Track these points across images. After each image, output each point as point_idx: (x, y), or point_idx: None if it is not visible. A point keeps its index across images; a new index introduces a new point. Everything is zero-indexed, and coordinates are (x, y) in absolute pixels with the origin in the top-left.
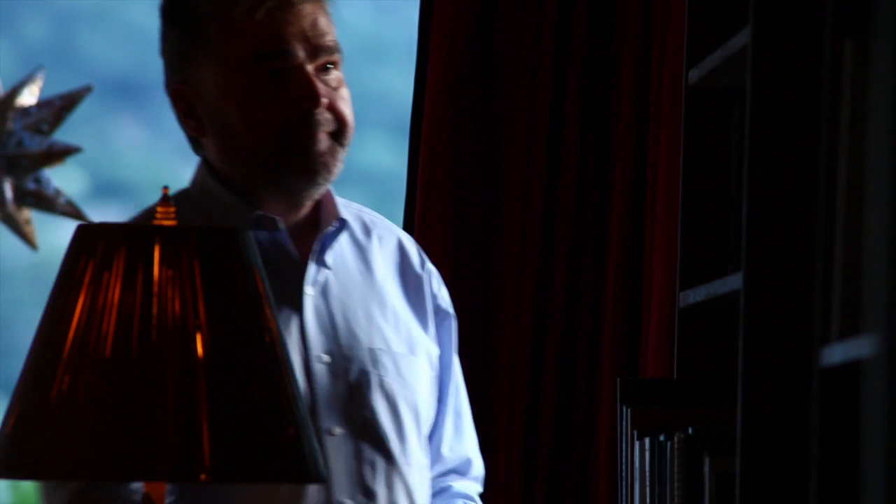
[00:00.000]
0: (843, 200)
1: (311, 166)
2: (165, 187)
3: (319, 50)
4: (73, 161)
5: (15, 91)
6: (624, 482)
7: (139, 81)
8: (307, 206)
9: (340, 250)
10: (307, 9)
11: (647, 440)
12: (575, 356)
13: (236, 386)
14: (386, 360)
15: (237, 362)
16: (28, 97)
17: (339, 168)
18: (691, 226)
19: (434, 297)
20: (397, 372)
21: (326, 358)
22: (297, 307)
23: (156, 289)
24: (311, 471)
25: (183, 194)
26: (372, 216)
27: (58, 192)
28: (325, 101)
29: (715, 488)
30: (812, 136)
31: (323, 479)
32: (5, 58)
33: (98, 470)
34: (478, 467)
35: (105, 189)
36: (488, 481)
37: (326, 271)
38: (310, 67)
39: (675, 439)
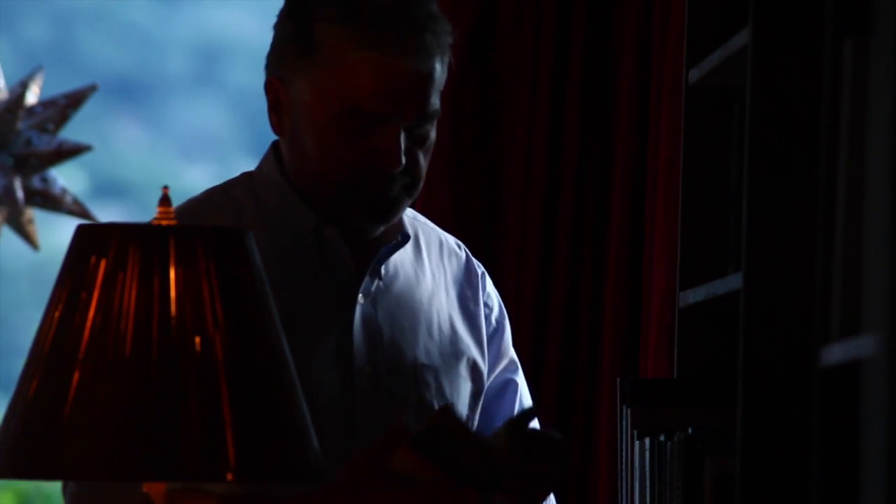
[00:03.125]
0: (843, 200)
1: (375, 213)
2: (165, 187)
3: (419, 117)
4: (74, 161)
5: (22, 91)
6: (624, 482)
7: (139, 81)
8: None
9: (396, 262)
10: (422, 68)
11: (647, 440)
12: (575, 356)
13: (256, 386)
14: (428, 377)
15: (254, 362)
16: (30, 96)
17: (401, 214)
18: (691, 226)
19: (487, 308)
20: (438, 388)
21: (369, 369)
22: (348, 315)
23: (173, 289)
24: (320, 469)
25: (246, 179)
26: (425, 225)
27: (64, 191)
28: (404, 163)
29: (715, 488)
30: (812, 136)
31: (327, 478)
32: (5, 58)
33: (124, 470)
34: None
35: (105, 189)
36: None
37: (379, 282)
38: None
39: (675, 439)
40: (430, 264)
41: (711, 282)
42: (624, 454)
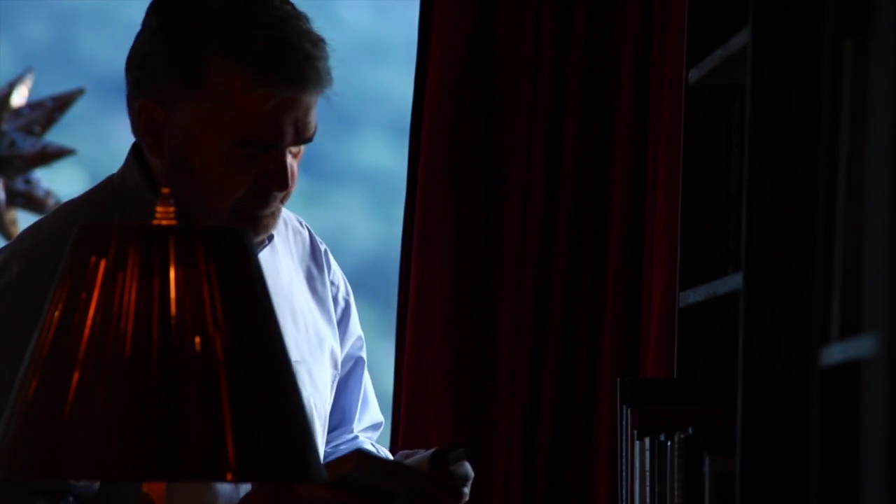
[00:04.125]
0: (843, 200)
1: (258, 228)
2: (166, 187)
3: (303, 140)
4: (72, 161)
5: (9, 92)
6: (624, 482)
7: None
8: None
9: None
10: (306, 99)
11: (647, 440)
12: (575, 356)
13: (256, 386)
14: (302, 373)
15: (254, 362)
16: (18, 98)
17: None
18: (691, 226)
19: (334, 287)
20: (312, 384)
21: None
22: None
23: (173, 289)
24: (319, 470)
25: (109, 187)
26: None
27: (48, 194)
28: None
29: (715, 488)
30: (812, 136)
31: (325, 478)
32: (5, 58)
33: (124, 470)
34: (379, 421)
35: None
36: (488, 480)
37: None
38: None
39: (675, 439)
40: (281, 250)
41: (711, 282)
42: (624, 454)
